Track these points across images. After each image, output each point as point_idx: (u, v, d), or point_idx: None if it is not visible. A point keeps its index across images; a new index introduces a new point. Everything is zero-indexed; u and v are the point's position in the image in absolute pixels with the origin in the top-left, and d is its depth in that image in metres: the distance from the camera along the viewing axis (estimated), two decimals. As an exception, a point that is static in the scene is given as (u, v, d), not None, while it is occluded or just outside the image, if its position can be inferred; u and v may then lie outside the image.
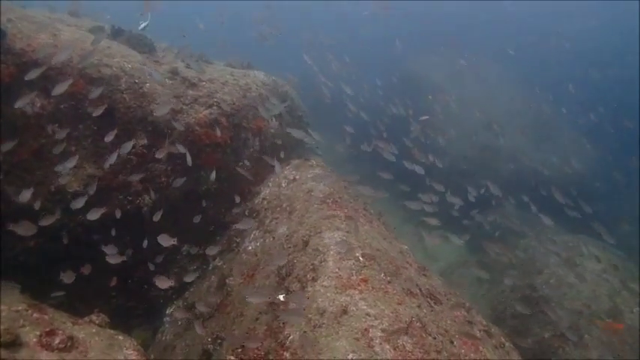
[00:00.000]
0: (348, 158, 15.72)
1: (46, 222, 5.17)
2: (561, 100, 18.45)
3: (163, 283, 5.57)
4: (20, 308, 4.50)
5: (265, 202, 7.07)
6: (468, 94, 17.54)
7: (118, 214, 6.03)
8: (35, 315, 4.49)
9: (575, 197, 9.33)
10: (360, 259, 5.07)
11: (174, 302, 6.92)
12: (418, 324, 4.46)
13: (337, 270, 4.89)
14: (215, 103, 6.86)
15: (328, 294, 4.62)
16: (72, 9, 7.96)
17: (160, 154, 6.07)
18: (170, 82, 6.74)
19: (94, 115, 5.68)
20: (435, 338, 4.50)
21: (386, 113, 12.70)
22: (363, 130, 11.21)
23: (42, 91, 5.70)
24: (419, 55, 20.35)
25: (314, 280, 4.88)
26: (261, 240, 6.39)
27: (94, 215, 5.40)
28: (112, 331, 4.87)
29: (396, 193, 7.94)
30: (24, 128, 5.69)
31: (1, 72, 5.45)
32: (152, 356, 6.17)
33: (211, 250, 6.40)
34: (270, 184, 7.38)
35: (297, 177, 7.20)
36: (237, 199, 6.92)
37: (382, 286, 4.80)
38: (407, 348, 4.16)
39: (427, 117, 12.50)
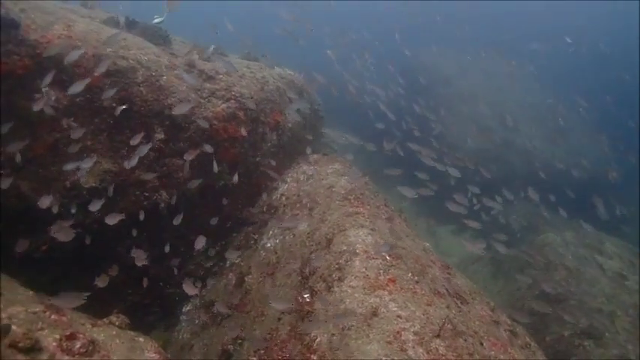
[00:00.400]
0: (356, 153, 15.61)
1: (65, 223, 5.02)
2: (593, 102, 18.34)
3: (190, 289, 5.43)
4: (37, 310, 4.23)
5: (284, 199, 6.89)
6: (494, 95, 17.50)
7: (142, 216, 5.87)
8: (53, 317, 4.23)
9: (606, 197, 9.14)
10: (387, 258, 4.91)
11: (191, 300, 6.78)
12: (449, 326, 4.31)
13: (364, 269, 4.73)
14: (233, 97, 6.67)
15: (356, 295, 4.46)
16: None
17: (188, 157, 5.90)
18: (187, 75, 6.55)
19: (115, 114, 5.50)
20: (465, 340, 4.36)
21: (408, 112, 12.54)
22: (372, 127, 10.97)
23: (56, 83, 5.51)
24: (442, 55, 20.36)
25: (340, 279, 4.71)
26: (281, 237, 6.21)
27: (111, 220, 5.24)
28: (132, 333, 4.69)
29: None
30: (38, 123, 5.52)
31: (15, 64, 5.27)
32: (169, 356, 6.05)
33: (231, 255, 6.24)
34: (289, 180, 7.19)
35: (317, 172, 7.02)
36: (264, 197, 6.74)
37: (410, 287, 4.64)
38: (440, 351, 4.02)
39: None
